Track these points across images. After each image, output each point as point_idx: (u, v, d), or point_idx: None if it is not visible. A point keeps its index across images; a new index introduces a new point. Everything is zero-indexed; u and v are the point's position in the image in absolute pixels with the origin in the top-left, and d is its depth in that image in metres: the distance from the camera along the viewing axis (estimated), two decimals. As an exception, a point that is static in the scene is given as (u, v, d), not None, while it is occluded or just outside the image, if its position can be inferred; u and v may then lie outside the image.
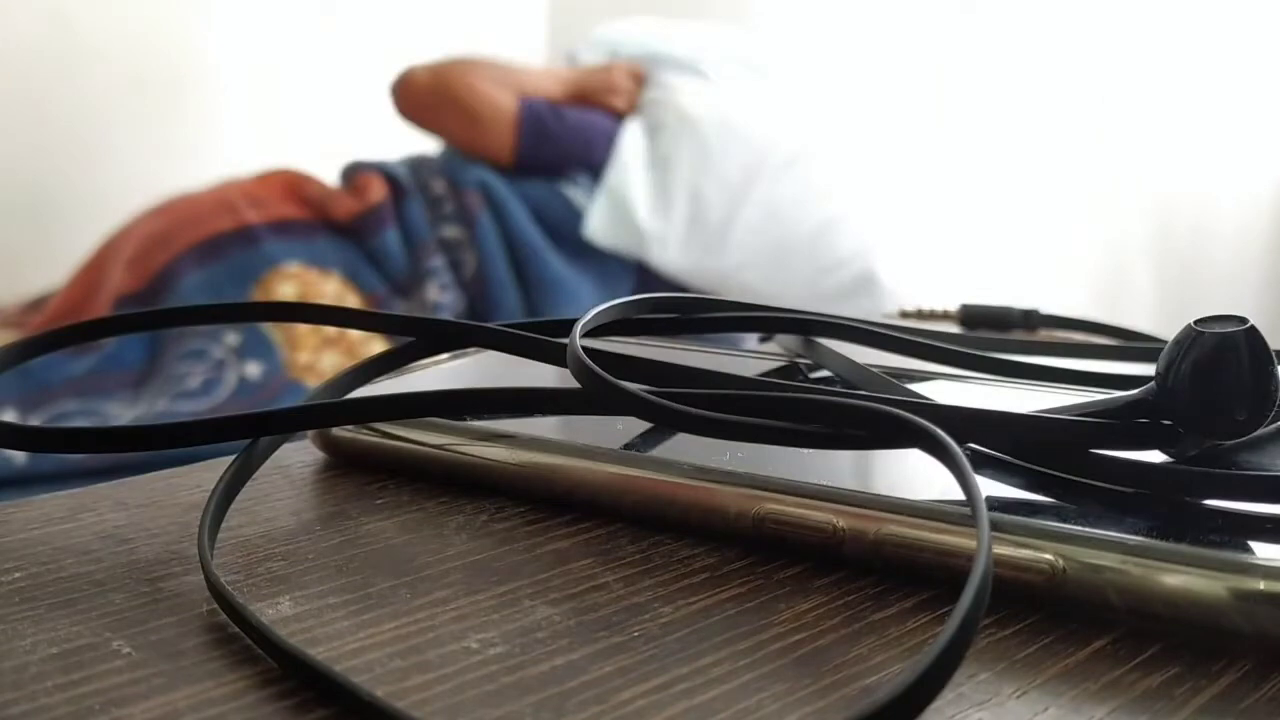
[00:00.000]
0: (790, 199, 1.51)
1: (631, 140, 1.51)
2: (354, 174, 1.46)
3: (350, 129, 1.85)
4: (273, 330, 1.27)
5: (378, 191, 1.41)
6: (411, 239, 1.40)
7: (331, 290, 1.33)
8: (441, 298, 1.39)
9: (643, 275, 1.48)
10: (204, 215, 1.33)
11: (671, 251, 1.45)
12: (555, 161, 1.50)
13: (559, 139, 1.50)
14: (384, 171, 1.45)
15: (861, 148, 1.61)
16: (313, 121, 1.88)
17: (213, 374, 1.23)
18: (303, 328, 1.28)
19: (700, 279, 1.46)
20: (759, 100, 1.58)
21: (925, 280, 1.54)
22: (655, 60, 1.60)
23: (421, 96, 1.52)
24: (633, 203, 1.45)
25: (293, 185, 1.41)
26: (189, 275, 1.29)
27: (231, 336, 1.25)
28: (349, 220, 1.38)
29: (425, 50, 1.91)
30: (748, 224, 1.48)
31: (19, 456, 1.09)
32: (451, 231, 1.42)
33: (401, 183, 1.43)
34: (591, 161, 1.50)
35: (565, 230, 1.47)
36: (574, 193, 1.49)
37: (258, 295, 1.29)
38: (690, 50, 1.62)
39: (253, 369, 1.25)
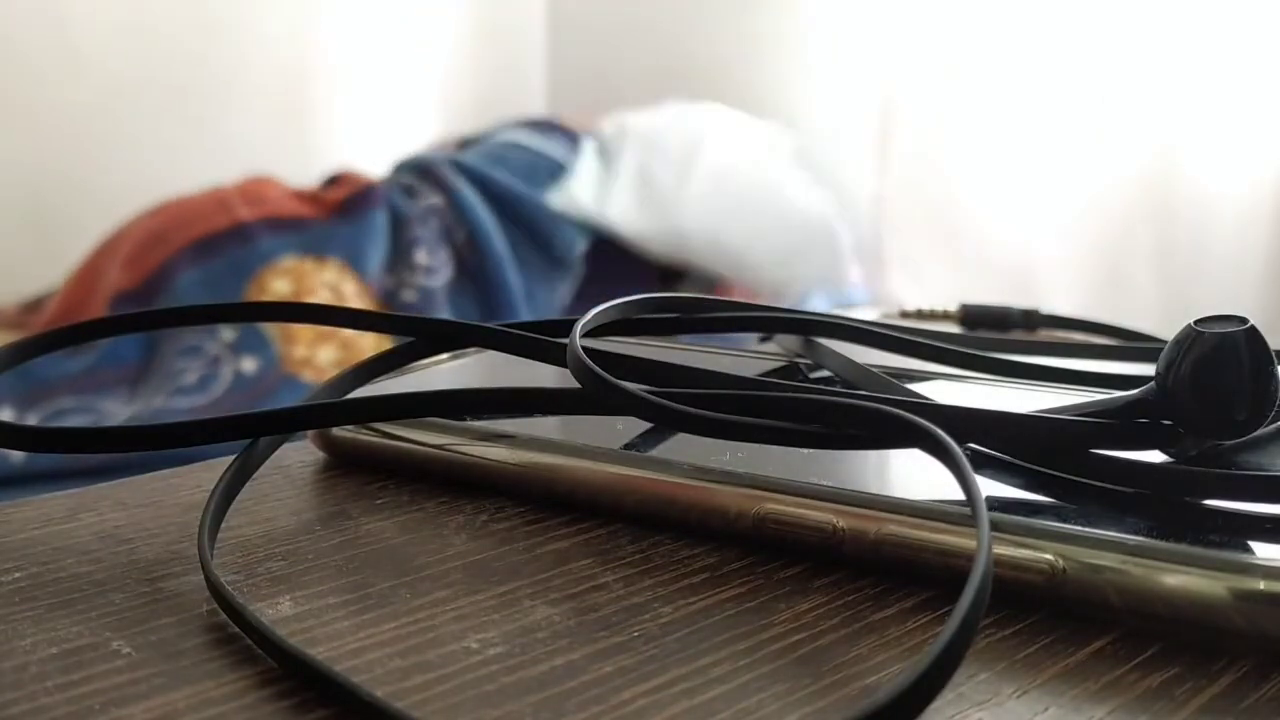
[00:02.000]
0: (735, 165, 1.60)
1: (585, 160, 1.58)
2: (334, 179, 1.51)
3: (353, 133, 1.85)
4: (267, 325, 1.28)
5: (359, 182, 1.45)
6: (397, 215, 1.44)
7: (330, 277, 1.35)
8: (431, 260, 1.41)
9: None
10: (199, 214, 1.35)
11: (626, 216, 1.53)
12: None
13: None
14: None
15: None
16: (315, 122, 1.88)
17: (208, 370, 1.24)
18: None
19: (659, 241, 1.53)
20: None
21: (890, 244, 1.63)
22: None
23: None
24: (581, 197, 1.53)
25: (281, 189, 1.43)
26: (184, 273, 1.30)
27: (227, 332, 1.26)
28: (339, 204, 1.42)
29: (425, 55, 1.91)
30: (698, 189, 1.55)
31: (16, 455, 1.09)
32: (433, 199, 1.47)
33: (374, 181, 1.48)
34: None
35: (536, 173, 1.53)
36: (531, 139, 1.54)
37: (253, 291, 1.30)
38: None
39: (248, 364, 1.25)
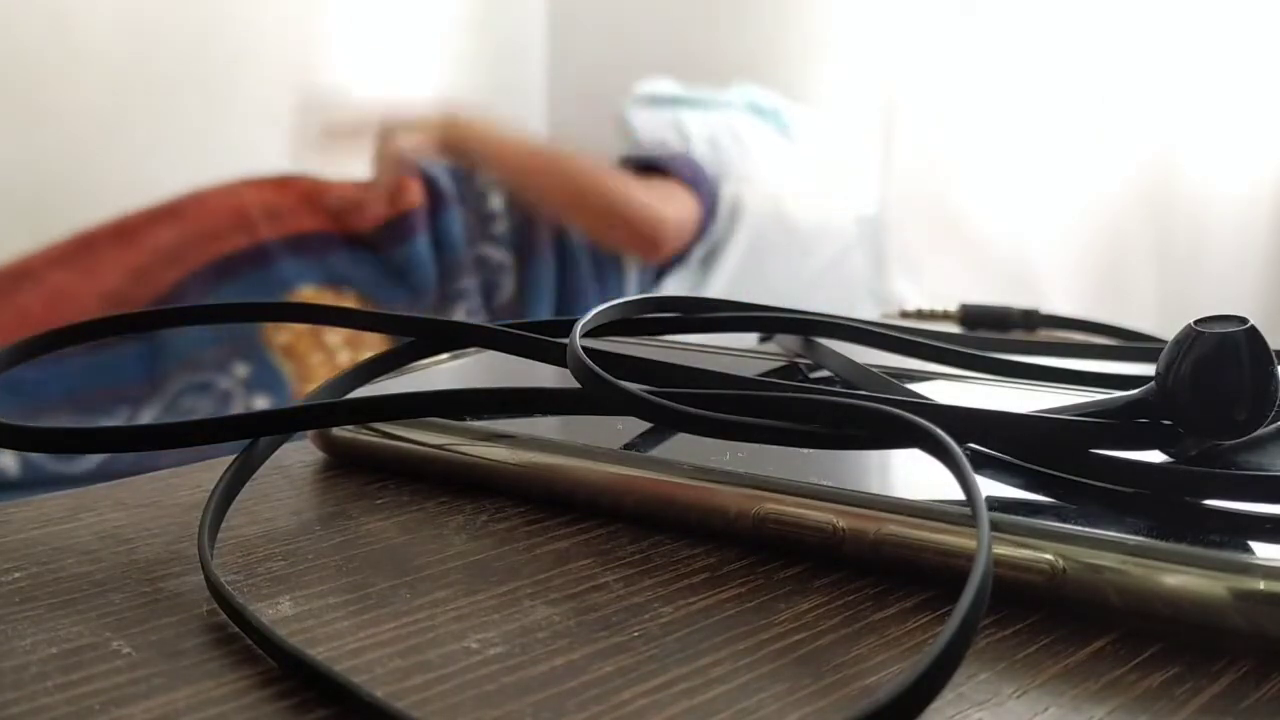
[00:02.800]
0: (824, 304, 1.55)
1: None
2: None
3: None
4: (283, 362, 1.25)
5: (413, 196, 1.37)
6: (445, 251, 1.36)
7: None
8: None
9: None
10: (217, 230, 1.29)
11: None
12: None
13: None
14: (424, 174, 1.40)
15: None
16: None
17: (219, 408, 1.21)
18: (314, 358, 1.27)
19: None
20: (798, 179, 1.60)
21: None
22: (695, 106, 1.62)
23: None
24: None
25: (312, 193, 1.37)
26: (198, 299, 1.26)
27: (241, 368, 1.23)
28: (374, 228, 1.35)
29: (426, 52, 1.91)
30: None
31: (10, 465, 1.09)
32: (496, 254, 1.38)
33: (441, 189, 1.39)
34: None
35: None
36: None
37: (270, 324, 1.27)
38: (722, 105, 1.64)
39: (261, 404, 1.23)
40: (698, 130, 1.56)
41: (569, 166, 1.39)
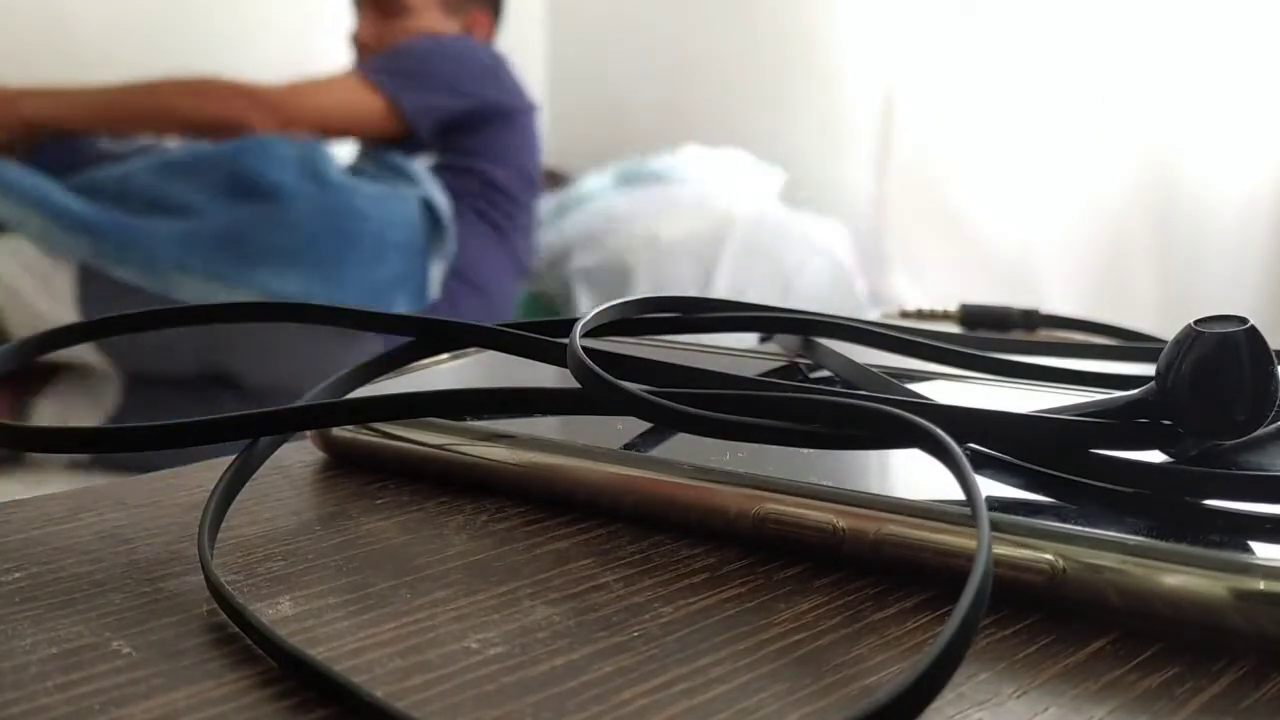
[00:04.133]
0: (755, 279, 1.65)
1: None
2: None
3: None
4: None
5: None
6: None
7: None
8: None
9: None
10: None
11: None
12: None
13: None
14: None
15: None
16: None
17: None
18: None
19: None
20: (677, 214, 1.74)
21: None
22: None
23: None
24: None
25: None
26: None
27: None
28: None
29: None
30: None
31: None
32: None
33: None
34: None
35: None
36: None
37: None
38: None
39: None
40: (576, 236, 1.71)
41: (138, 87, 1.45)
